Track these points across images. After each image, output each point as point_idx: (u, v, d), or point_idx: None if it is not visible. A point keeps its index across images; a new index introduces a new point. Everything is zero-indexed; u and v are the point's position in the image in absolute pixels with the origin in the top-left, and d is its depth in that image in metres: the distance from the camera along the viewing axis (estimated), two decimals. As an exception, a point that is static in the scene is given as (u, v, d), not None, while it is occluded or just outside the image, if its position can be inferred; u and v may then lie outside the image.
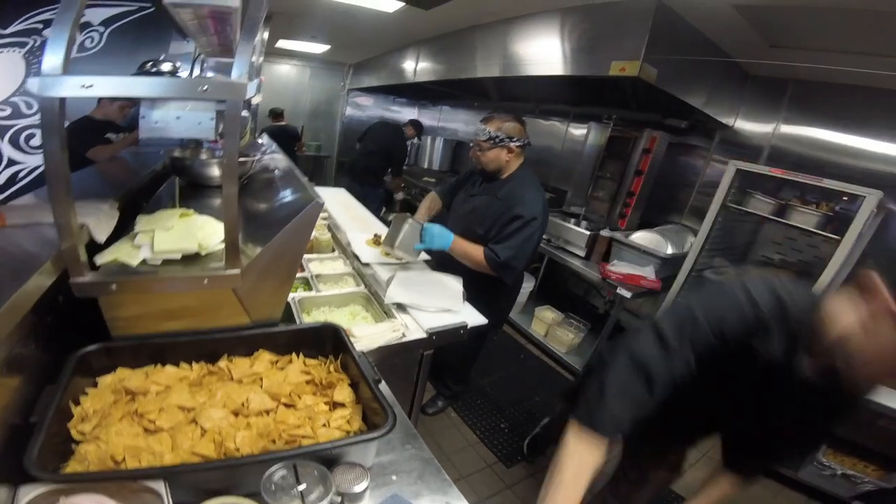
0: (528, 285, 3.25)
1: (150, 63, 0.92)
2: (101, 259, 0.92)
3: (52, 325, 0.93)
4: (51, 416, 0.66)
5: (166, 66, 0.92)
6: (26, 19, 2.77)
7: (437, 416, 2.39)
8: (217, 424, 0.78)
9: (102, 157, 2.38)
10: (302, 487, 0.67)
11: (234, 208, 0.87)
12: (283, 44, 4.66)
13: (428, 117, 5.74)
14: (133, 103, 2.81)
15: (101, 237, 1.00)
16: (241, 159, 1.54)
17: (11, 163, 2.99)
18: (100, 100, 2.75)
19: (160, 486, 0.60)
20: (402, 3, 2.57)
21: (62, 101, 0.67)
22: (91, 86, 0.68)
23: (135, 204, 1.29)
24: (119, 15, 2.92)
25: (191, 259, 0.97)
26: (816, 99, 2.38)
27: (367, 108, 6.05)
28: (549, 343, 3.14)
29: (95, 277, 0.85)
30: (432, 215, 2.14)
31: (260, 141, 2.13)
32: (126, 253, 0.94)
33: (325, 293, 1.58)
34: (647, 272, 2.51)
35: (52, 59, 0.65)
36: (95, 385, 0.84)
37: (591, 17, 2.29)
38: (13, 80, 2.84)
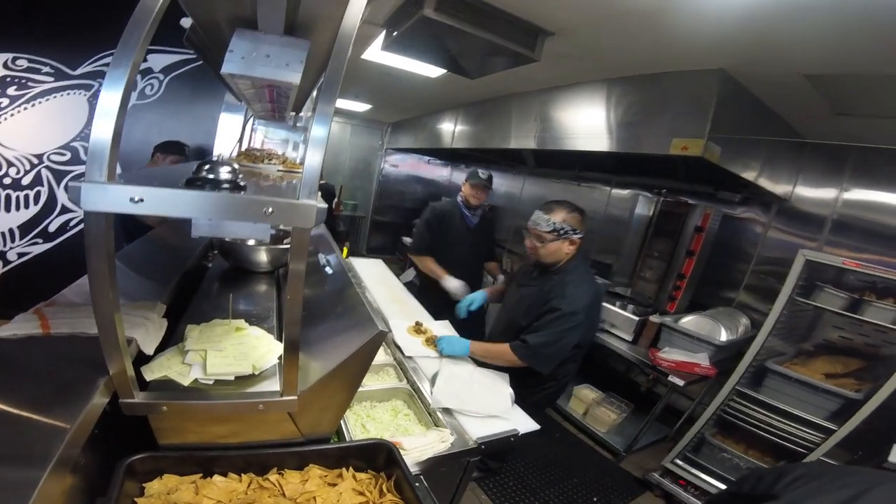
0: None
1: (207, 166, 0.87)
2: (151, 375, 0.88)
3: (99, 437, 0.90)
4: None
5: (225, 172, 0.86)
6: (95, 60, 2.86)
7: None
8: None
9: (154, 220, 2.32)
10: None
11: (297, 334, 0.82)
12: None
13: (461, 179, 5.81)
14: (186, 158, 2.72)
15: (150, 350, 0.96)
16: (286, 247, 1.50)
17: (65, 210, 3.05)
18: (154, 153, 2.69)
19: None
20: (446, 70, 2.62)
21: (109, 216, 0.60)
22: (141, 200, 0.59)
23: (181, 294, 1.27)
24: (179, 63, 3.02)
25: (244, 378, 0.93)
26: (881, 164, 2.24)
27: (403, 167, 6.11)
28: (588, 423, 2.94)
29: (146, 399, 0.81)
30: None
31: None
32: (176, 371, 0.91)
33: (367, 387, 1.49)
34: (701, 358, 2.34)
35: (98, 166, 0.56)
36: (142, 491, 0.81)
37: (643, 89, 2.19)
38: (76, 123, 2.92)
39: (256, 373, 0.94)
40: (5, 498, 0.56)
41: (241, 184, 0.85)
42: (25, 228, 3.10)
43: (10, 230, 3.08)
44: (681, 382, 2.23)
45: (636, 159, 2.70)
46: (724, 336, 2.37)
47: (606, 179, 3.58)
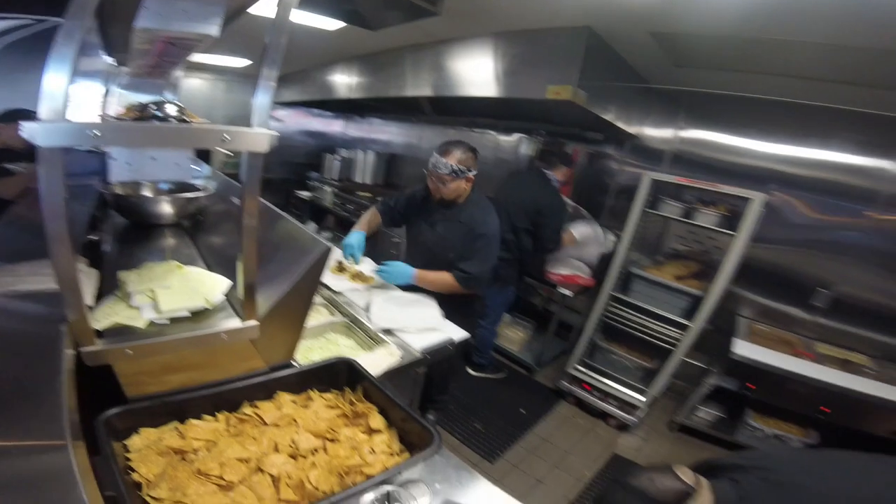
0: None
1: (155, 105, 0.87)
2: (100, 323, 0.87)
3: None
4: (124, 486, 0.65)
5: (171, 109, 0.87)
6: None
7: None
8: (283, 469, 0.80)
9: (9, 192, 2.02)
10: None
11: (254, 262, 0.88)
12: (198, 57, 4.27)
13: (357, 130, 5.68)
14: None
15: (90, 300, 0.95)
16: (192, 195, 1.44)
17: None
18: None
19: None
20: (344, 24, 2.56)
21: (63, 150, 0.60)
22: (100, 136, 0.61)
23: (100, 258, 1.20)
24: (13, 29, 2.56)
25: (198, 314, 0.96)
26: (710, 108, 2.83)
27: (290, 121, 5.69)
28: (503, 344, 3.37)
29: (108, 345, 0.82)
30: (372, 230, 2.20)
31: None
32: (127, 316, 0.91)
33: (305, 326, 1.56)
34: (583, 270, 2.82)
35: (53, 102, 0.57)
36: (125, 449, 0.82)
37: (525, 43, 2.45)
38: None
39: (210, 307, 0.97)
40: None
41: (187, 120, 0.85)
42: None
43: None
44: (570, 293, 2.67)
45: (520, 104, 2.99)
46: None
47: (495, 125, 3.88)
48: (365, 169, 4.93)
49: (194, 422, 0.91)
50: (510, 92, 2.59)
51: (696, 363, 2.84)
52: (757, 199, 2.23)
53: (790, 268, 2.63)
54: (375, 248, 2.51)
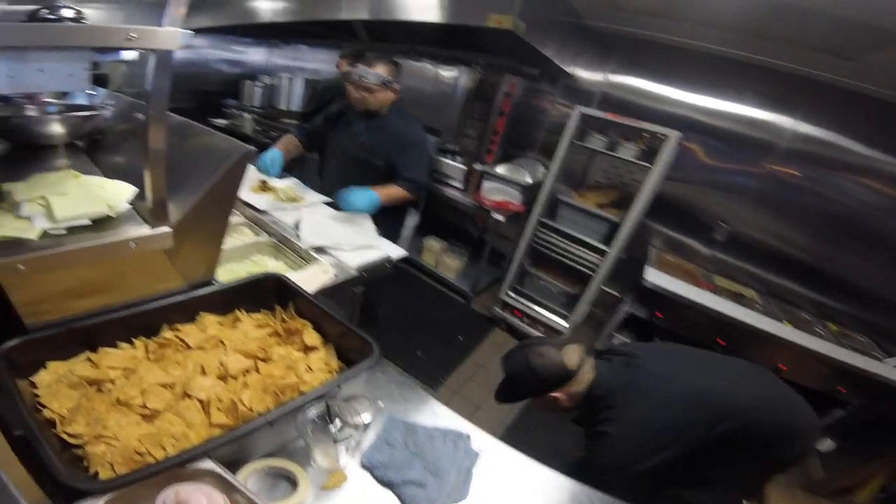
0: (412, 219, 3.42)
1: (46, 9, 0.71)
2: None
3: None
4: (35, 423, 0.59)
5: (68, 12, 0.72)
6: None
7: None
8: (212, 392, 0.77)
9: None
10: (338, 425, 0.74)
11: (164, 156, 0.79)
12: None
13: (282, 57, 5.10)
14: None
15: None
16: (90, 113, 1.29)
17: None
18: None
19: (210, 465, 0.61)
20: None
21: None
22: None
23: None
24: None
25: (100, 224, 0.85)
26: (639, 55, 2.91)
27: (203, 51, 4.94)
28: (440, 271, 3.47)
29: (-7, 259, 0.70)
30: (291, 154, 2.13)
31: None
32: (15, 227, 0.79)
33: (229, 246, 1.43)
34: (514, 197, 2.91)
35: None
36: (34, 387, 0.73)
37: None
38: None
39: (114, 214, 0.87)
40: None
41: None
42: None
43: None
44: (502, 218, 2.77)
45: (459, 33, 2.83)
46: (528, 179, 2.98)
47: (435, 55, 3.68)
48: (290, 95, 4.56)
49: (108, 350, 0.84)
50: (452, 18, 2.46)
51: (612, 292, 3.12)
52: (672, 137, 2.40)
53: (695, 204, 2.89)
54: (303, 174, 2.35)
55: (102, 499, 0.53)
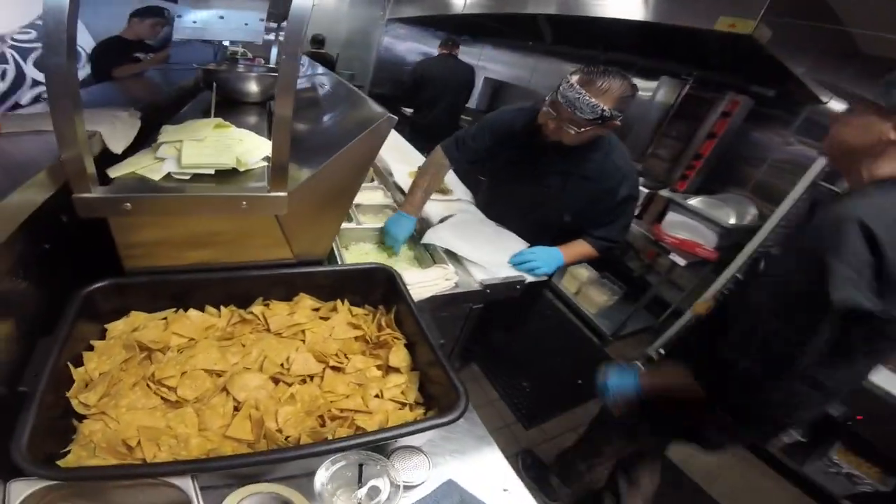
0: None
1: None
2: (116, 172, 0.75)
3: (52, 257, 0.77)
4: (45, 383, 0.51)
5: None
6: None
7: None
8: (253, 395, 0.63)
9: (127, 74, 2.20)
10: (364, 491, 0.52)
11: (287, 122, 0.68)
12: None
13: (468, 55, 5.26)
14: (165, 21, 2.69)
15: (118, 147, 0.83)
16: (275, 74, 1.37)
17: (36, 84, 2.92)
18: (130, 18, 2.64)
19: (187, 484, 0.46)
20: None
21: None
22: None
23: (161, 120, 1.10)
24: None
25: (226, 176, 0.80)
26: None
27: (405, 40, 5.61)
28: (580, 302, 2.98)
29: (105, 193, 0.68)
30: (431, 192, 1.54)
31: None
32: (146, 166, 0.78)
33: (366, 226, 1.39)
34: (706, 240, 2.29)
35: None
36: (103, 335, 0.69)
37: None
38: (37, 4, 2.85)
39: (242, 169, 0.81)
40: None
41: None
42: (-4, 102, 3.17)
43: (-21, 105, 3.10)
44: (682, 262, 2.19)
45: (668, 36, 2.35)
46: (732, 219, 2.29)
47: (629, 63, 3.21)
48: (472, 94, 4.58)
49: (192, 313, 0.78)
50: (663, 17, 2.01)
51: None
52: None
53: None
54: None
55: (36, 485, 0.43)
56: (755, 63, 2.04)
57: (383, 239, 1.38)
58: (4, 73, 3.14)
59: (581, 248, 1.49)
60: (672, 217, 2.38)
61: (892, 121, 0.75)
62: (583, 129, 1.22)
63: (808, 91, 2.20)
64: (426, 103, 3.85)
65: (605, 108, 1.16)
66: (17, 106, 3.25)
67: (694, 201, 2.40)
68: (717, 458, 2.23)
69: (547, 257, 1.41)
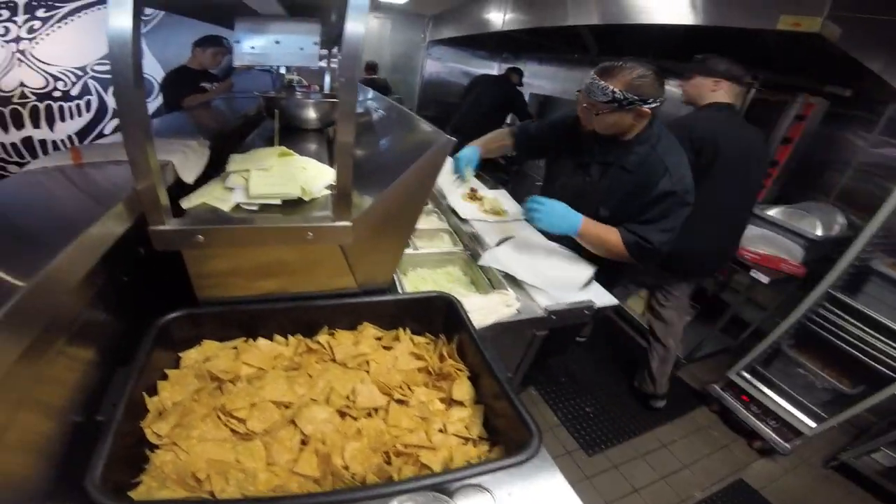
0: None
1: None
2: (188, 202, 0.78)
3: (129, 288, 0.81)
4: (121, 412, 0.52)
5: None
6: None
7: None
8: (320, 429, 0.61)
9: (195, 104, 2.37)
10: None
11: (350, 149, 0.68)
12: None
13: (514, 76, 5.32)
14: (226, 50, 2.88)
15: (190, 177, 0.86)
16: (334, 101, 1.39)
17: (117, 114, 3.28)
18: (194, 49, 2.83)
19: None
20: None
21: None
22: None
23: (228, 148, 1.16)
24: None
25: (292, 205, 0.81)
26: None
27: (447, 61, 5.75)
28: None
29: (178, 225, 0.70)
30: (492, 151, 1.72)
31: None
32: (216, 196, 0.80)
33: (421, 251, 1.38)
34: (790, 254, 2.07)
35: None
36: (177, 363, 0.71)
37: None
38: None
39: (307, 198, 0.82)
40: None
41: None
42: (83, 133, 3.52)
43: (69, 136, 3.50)
44: (765, 279, 1.98)
45: (722, 39, 2.20)
46: (819, 231, 2.06)
47: (683, 69, 3.02)
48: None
49: (260, 341, 0.78)
50: (715, 19, 1.89)
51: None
52: None
53: None
54: (517, 187, 2.16)
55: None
56: (825, 62, 1.89)
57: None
58: (89, 103, 3.43)
59: (608, 232, 1.36)
60: (751, 230, 2.17)
61: None
62: (600, 113, 1.29)
63: (890, 88, 1.97)
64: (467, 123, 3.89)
65: (615, 89, 1.23)
66: (101, 135, 3.56)
67: (773, 212, 2.20)
68: (800, 480, 2.05)
69: (554, 216, 1.32)
